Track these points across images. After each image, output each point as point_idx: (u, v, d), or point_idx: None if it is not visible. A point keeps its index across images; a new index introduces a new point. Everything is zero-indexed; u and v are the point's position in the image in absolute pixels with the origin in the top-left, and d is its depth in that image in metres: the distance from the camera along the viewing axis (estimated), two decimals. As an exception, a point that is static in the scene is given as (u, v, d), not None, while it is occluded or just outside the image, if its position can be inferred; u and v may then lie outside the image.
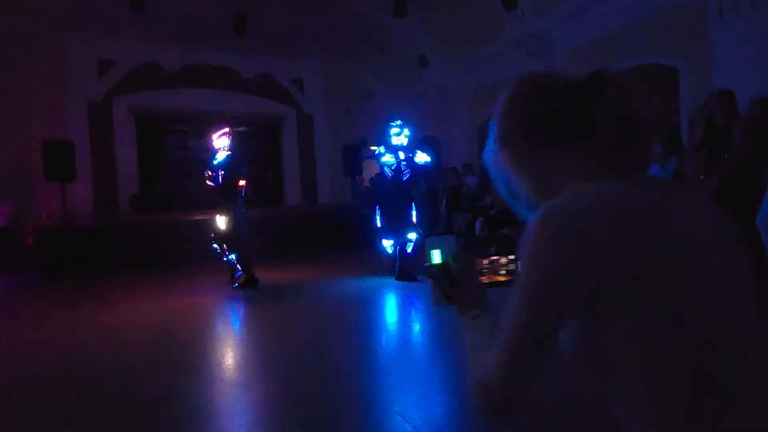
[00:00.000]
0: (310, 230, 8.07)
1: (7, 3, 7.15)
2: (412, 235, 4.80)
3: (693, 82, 5.24)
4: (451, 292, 0.78)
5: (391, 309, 3.93)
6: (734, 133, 3.84)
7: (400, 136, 4.97)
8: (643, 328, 0.55)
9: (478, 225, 7.84)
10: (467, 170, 8.99)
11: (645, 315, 0.54)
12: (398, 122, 5.06)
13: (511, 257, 0.81)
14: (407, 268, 4.69)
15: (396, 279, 4.72)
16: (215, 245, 4.74)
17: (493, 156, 0.71)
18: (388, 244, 4.94)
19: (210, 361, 2.73)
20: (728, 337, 0.55)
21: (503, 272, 0.81)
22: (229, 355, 2.90)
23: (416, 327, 3.37)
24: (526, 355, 0.60)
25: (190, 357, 2.89)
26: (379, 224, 4.95)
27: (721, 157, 3.89)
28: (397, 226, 4.82)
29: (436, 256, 0.81)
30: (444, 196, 8.33)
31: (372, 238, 5.14)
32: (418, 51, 9.17)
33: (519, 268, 0.61)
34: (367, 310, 3.84)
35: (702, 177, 4.06)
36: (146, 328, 3.46)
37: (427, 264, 0.81)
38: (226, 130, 4.81)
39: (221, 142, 4.74)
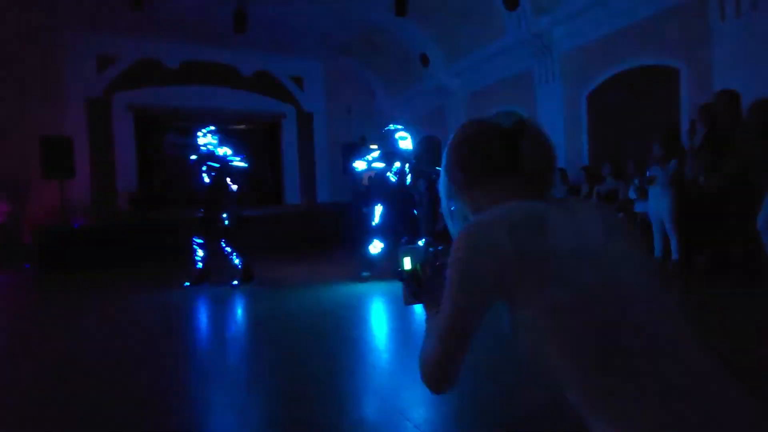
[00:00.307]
0: (309, 229, 8.07)
1: (6, -2, 7.11)
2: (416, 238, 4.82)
3: (694, 83, 5.24)
4: (419, 294, 0.96)
5: (390, 306, 3.92)
6: (736, 135, 3.84)
7: (406, 140, 4.92)
8: (541, 310, 0.70)
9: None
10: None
11: (539, 300, 0.70)
12: (402, 127, 5.00)
13: None
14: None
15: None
16: (199, 241, 4.71)
17: (442, 183, 0.92)
18: (379, 246, 4.83)
19: (208, 358, 2.72)
20: (617, 314, 0.69)
21: None
22: (229, 352, 2.89)
23: (415, 324, 3.36)
24: (454, 337, 0.76)
25: (189, 354, 2.88)
26: (375, 222, 4.86)
27: (722, 158, 3.89)
28: (396, 227, 4.80)
29: (407, 263, 0.97)
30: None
31: (366, 236, 4.92)
32: (419, 50, 9.16)
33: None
34: (366, 308, 3.83)
35: (702, 179, 4.06)
36: (145, 324, 3.45)
37: (399, 269, 0.97)
38: (213, 128, 4.83)
39: (207, 140, 4.76)
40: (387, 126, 5.12)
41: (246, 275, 4.69)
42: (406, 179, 4.89)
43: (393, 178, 4.87)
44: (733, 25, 4.76)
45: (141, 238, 6.69)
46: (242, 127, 10.50)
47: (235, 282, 4.67)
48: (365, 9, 8.19)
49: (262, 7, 7.74)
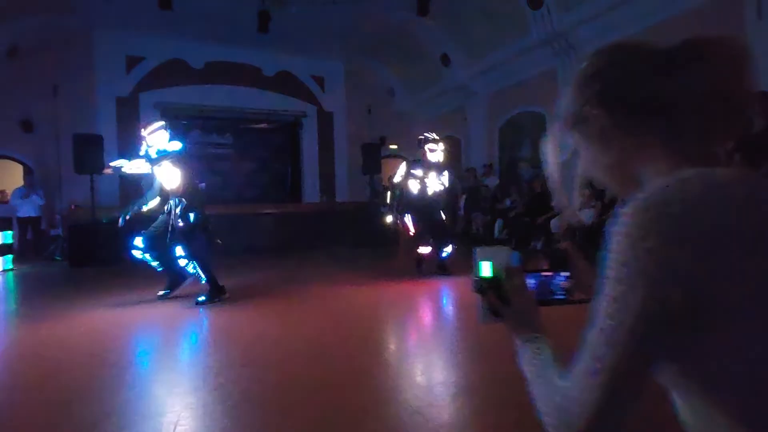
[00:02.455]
0: (328, 227, 8.13)
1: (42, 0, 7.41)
2: (448, 247, 4.81)
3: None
4: (502, 310, 0.70)
5: (423, 307, 3.92)
6: (770, 138, 3.69)
7: (435, 152, 4.76)
8: (751, 338, 0.46)
9: (497, 227, 7.77)
10: (488, 171, 8.92)
11: (756, 323, 0.46)
12: (435, 137, 4.86)
13: (567, 274, 0.75)
14: (444, 264, 4.77)
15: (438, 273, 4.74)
16: (149, 251, 4.22)
17: (558, 137, 0.64)
18: (425, 249, 4.87)
19: (213, 353, 2.77)
20: None
21: (558, 292, 0.75)
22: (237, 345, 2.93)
23: (445, 323, 3.36)
24: (625, 377, 0.50)
25: (192, 352, 2.93)
26: (413, 231, 4.86)
27: (756, 163, 3.75)
28: (430, 232, 4.84)
29: (486, 269, 0.72)
30: (463, 197, 8.29)
31: (393, 239, 4.98)
32: (441, 50, 9.12)
33: (607, 273, 0.51)
34: (399, 308, 3.84)
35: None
36: (154, 318, 3.54)
37: (475, 277, 0.72)
38: (161, 123, 4.15)
39: (157, 139, 4.07)
40: (422, 134, 5.00)
41: (212, 290, 3.97)
42: (426, 188, 4.77)
43: (417, 186, 4.78)
44: (769, 24, 4.59)
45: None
46: (263, 125, 10.67)
47: (202, 298, 3.91)
48: (387, 9, 8.20)
49: (285, 7, 7.85)
